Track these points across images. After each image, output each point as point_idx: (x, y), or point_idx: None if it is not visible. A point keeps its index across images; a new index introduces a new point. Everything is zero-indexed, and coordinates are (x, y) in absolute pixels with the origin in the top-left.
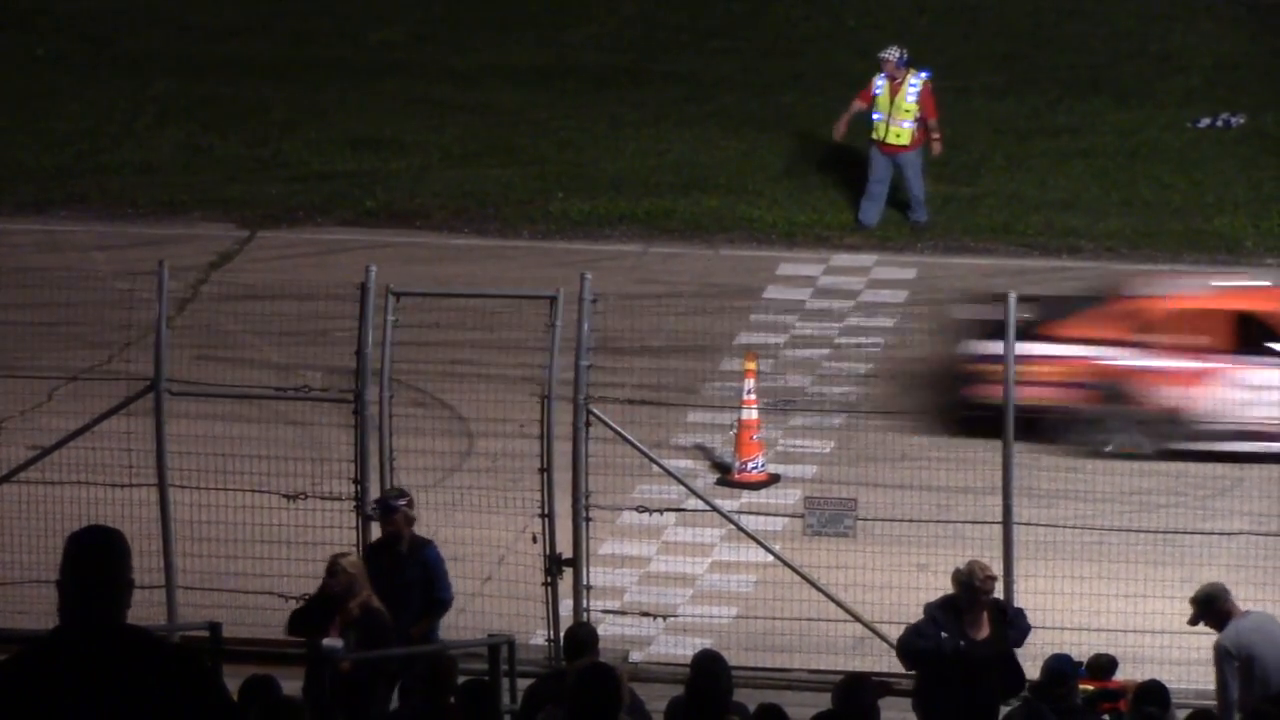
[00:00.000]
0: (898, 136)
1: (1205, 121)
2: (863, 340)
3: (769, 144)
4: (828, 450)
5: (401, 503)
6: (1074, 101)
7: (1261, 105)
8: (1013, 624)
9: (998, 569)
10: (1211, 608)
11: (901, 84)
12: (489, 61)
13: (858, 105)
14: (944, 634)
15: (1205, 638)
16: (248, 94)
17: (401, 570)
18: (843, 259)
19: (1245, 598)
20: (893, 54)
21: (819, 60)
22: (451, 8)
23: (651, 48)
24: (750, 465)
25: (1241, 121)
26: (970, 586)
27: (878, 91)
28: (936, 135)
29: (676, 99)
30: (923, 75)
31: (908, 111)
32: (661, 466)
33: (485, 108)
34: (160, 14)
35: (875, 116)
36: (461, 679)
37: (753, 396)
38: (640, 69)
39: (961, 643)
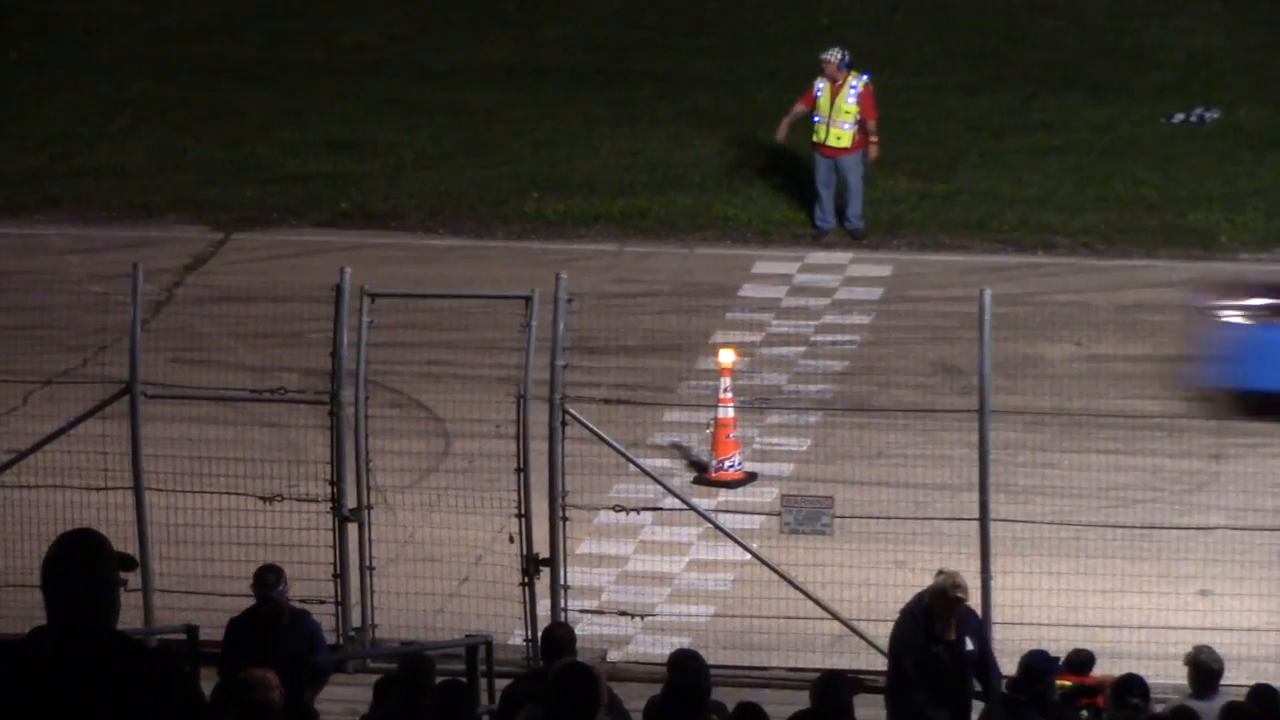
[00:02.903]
0: (838, 139)
1: (1180, 117)
2: (838, 338)
3: (743, 142)
4: (804, 448)
5: (279, 590)
6: (1048, 98)
7: (1236, 100)
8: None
9: (975, 565)
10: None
11: (842, 86)
12: (463, 62)
13: (799, 108)
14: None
15: (1182, 632)
16: (222, 96)
17: (285, 643)
18: (818, 257)
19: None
20: (834, 56)
21: (793, 58)
22: (425, 9)
23: (625, 47)
24: (727, 464)
25: (1216, 117)
26: (945, 598)
27: (819, 94)
28: (874, 139)
29: (651, 98)
30: (864, 78)
31: (848, 113)
32: (638, 466)
33: (459, 108)
34: (134, 17)
35: (815, 119)
36: (438, 679)
37: (729, 395)
38: (614, 68)
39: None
